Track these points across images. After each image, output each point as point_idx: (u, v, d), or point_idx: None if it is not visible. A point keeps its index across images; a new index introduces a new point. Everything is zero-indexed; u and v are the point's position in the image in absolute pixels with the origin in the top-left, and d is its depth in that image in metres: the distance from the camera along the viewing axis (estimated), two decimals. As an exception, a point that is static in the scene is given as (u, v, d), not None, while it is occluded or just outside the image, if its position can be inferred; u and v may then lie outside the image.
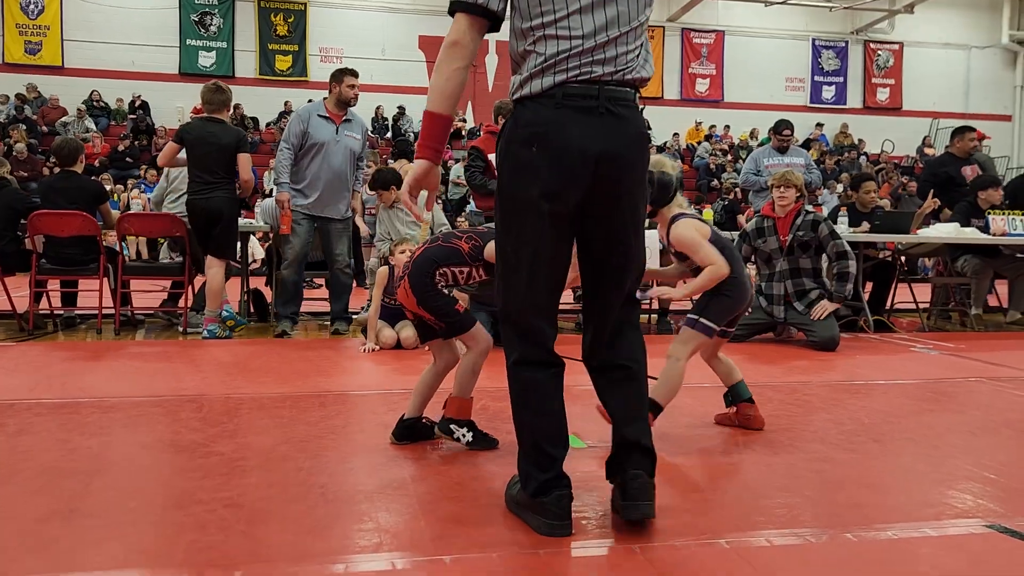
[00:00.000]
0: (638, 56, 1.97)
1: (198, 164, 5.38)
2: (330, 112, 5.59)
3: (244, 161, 5.42)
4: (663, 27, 19.49)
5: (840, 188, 15.19)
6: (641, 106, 2.01)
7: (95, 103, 16.81)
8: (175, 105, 17.03)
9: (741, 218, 13.07)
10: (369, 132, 5.87)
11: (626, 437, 2.01)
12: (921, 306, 6.85)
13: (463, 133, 18.39)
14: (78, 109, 16.28)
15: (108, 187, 13.02)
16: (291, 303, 5.65)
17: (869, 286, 6.75)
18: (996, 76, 21.14)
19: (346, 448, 2.74)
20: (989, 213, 6.51)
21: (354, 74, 5.67)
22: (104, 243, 5.68)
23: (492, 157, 6.24)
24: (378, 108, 18.48)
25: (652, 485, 1.98)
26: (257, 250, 10.93)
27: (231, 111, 5.67)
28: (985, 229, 6.43)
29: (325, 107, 5.61)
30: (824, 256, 5.39)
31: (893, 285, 6.78)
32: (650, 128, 2.42)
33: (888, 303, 6.77)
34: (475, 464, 2.57)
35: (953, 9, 20.55)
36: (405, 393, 3.65)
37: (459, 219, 13.32)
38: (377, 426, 3.07)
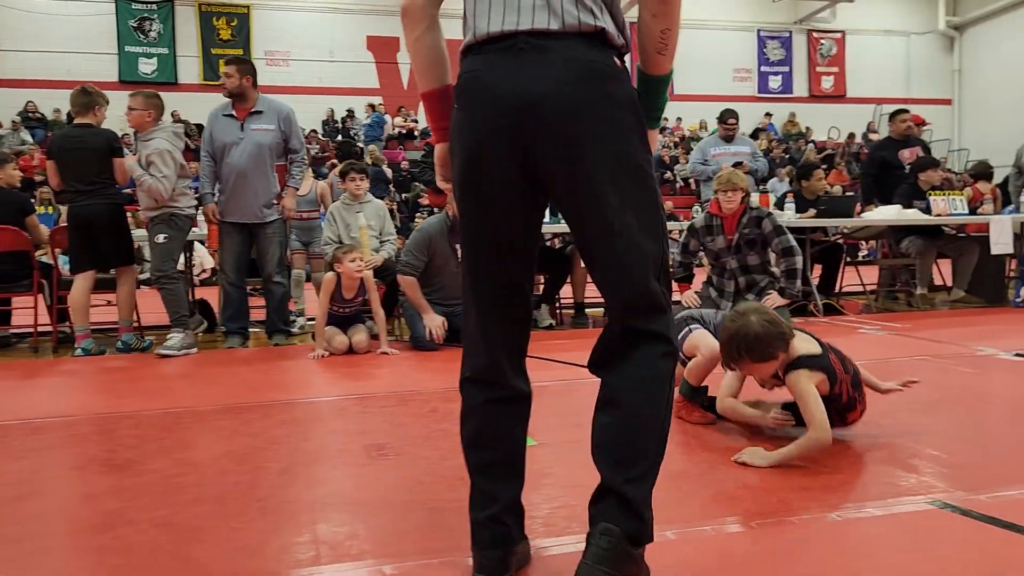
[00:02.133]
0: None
1: (68, 173, 5.09)
2: (235, 109, 5.27)
3: (119, 166, 5.12)
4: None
5: (787, 179, 15.42)
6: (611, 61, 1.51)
7: (31, 114, 16.34)
8: (116, 114, 16.58)
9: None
10: (289, 119, 5.35)
11: (602, 478, 1.56)
12: (868, 288, 6.96)
13: (415, 134, 18.31)
14: (13, 121, 15.81)
15: (49, 199, 12.69)
16: (237, 317, 5.38)
17: (818, 270, 6.84)
18: (935, 61, 21.67)
19: (288, 459, 2.66)
20: (930, 194, 6.63)
21: (228, 62, 5.36)
22: (39, 258, 5.50)
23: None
24: (329, 111, 18.29)
25: (625, 552, 1.49)
26: (206, 260, 10.70)
27: (101, 114, 5.25)
28: (927, 210, 6.55)
29: (232, 105, 5.31)
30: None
31: (841, 268, 6.87)
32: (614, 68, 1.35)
33: (837, 286, 6.86)
34: (420, 470, 2.51)
35: (892, -3, 21.03)
36: (354, 399, 3.60)
37: (416, 220, 13.24)
38: (323, 434, 3.00)
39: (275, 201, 5.33)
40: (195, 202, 5.30)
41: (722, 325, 2.60)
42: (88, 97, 5.16)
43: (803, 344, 2.58)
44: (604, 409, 1.58)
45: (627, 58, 1.57)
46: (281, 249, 5.42)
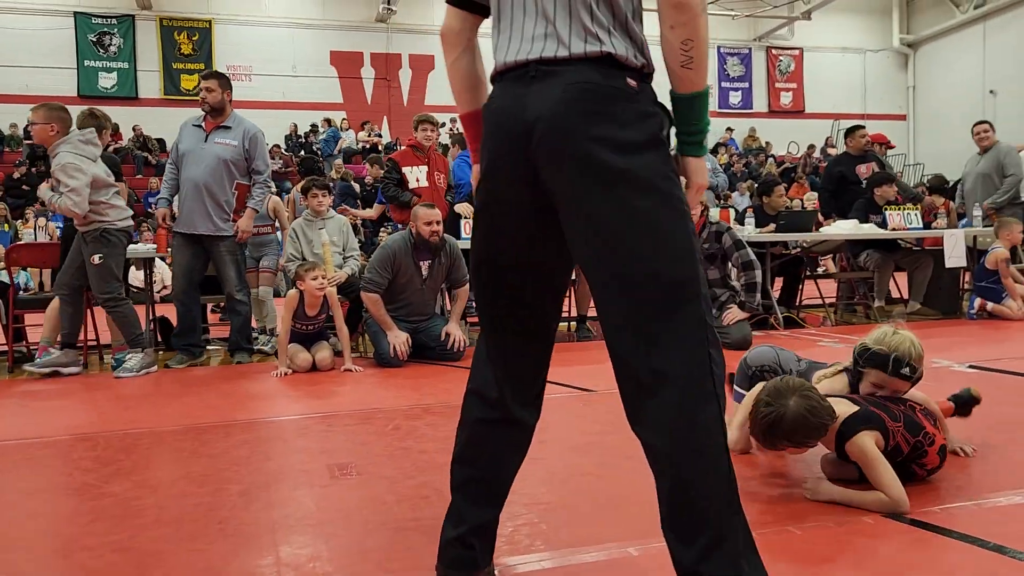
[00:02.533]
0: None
1: None
2: (205, 120, 5.25)
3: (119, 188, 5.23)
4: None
5: (748, 193, 15.65)
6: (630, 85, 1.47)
7: (-13, 129, 16.02)
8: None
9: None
10: (255, 139, 5.28)
11: (676, 561, 1.39)
12: (827, 301, 7.09)
13: (380, 148, 18.26)
14: (-31, 136, 15.48)
15: (4, 216, 12.43)
16: (186, 333, 5.25)
17: (779, 283, 6.95)
18: (890, 78, 22.21)
19: (249, 479, 2.63)
20: (886, 209, 6.79)
21: (205, 76, 5.33)
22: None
23: (407, 170, 6.24)
24: (292, 126, 18.17)
25: None
26: (167, 276, 10.55)
27: (106, 137, 5.39)
28: (883, 224, 6.70)
29: (204, 116, 5.29)
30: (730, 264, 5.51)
31: (801, 281, 6.99)
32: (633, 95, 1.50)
33: (797, 300, 6.98)
34: (383, 489, 2.50)
35: (848, 15, 21.51)
36: (317, 417, 3.57)
37: (380, 235, 13.17)
38: (285, 453, 2.97)
39: (230, 218, 5.23)
40: (129, 213, 5.02)
41: (755, 408, 2.27)
42: (95, 120, 5.25)
43: (840, 407, 2.29)
44: (655, 476, 1.43)
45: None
46: (239, 267, 5.32)
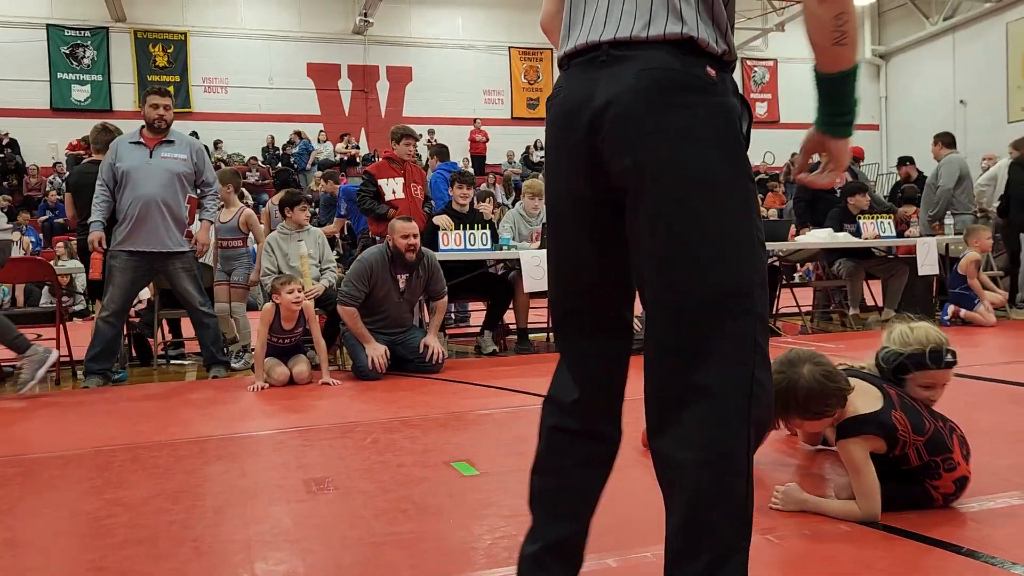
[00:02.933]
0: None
1: (80, 206, 5.42)
2: (144, 136, 5.12)
3: None
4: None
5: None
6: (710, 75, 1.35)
7: (-42, 142, 15.81)
8: (48, 142, 16.20)
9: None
10: (201, 152, 5.29)
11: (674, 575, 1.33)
12: (803, 309, 7.15)
13: (357, 160, 18.23)
14: (-61, 149, 15.27)
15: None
16: (102, 357, 4.98)
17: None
18: (862, 88, 21.87)
19: (224, 496, 2.60)
20: (859, 218, 6.87)
21: (159, 93, 5.22)
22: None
23: (383, 182, 6.23)
24: (270, 138, 18.08)
25: None
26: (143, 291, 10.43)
27: None
28: (857, 233, 6.79)
29: (140, 132, 5.17)
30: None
31: (777, 290, 7.05)
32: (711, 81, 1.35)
33: (773, 308, 7.03)
34: (360, 504, 2.48)
35: (820, 27, 21.79)
36: (294, 431, 3.54)
37: (358, 248, 13.12)
38: (261, 468, 2.94)
39: (185, 233, 5.18)
40: (10, 227, 4.86)
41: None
42: (108, 135, 5.51)
43: (860, 399, 2.17)
44: (666, 489, 1.35)
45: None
46: (197, 281, 5.22)
